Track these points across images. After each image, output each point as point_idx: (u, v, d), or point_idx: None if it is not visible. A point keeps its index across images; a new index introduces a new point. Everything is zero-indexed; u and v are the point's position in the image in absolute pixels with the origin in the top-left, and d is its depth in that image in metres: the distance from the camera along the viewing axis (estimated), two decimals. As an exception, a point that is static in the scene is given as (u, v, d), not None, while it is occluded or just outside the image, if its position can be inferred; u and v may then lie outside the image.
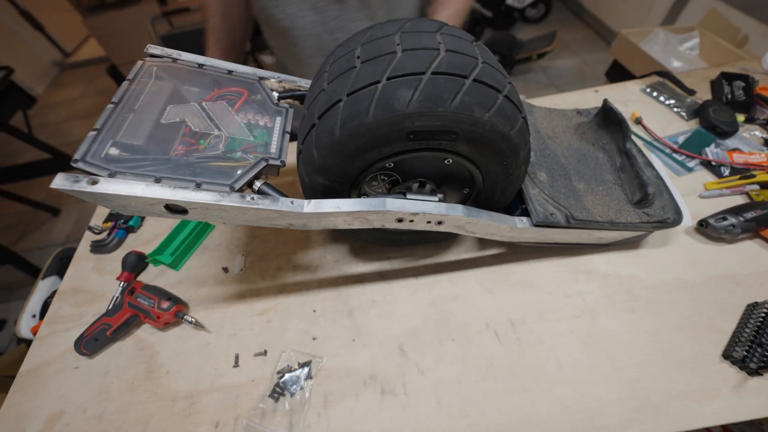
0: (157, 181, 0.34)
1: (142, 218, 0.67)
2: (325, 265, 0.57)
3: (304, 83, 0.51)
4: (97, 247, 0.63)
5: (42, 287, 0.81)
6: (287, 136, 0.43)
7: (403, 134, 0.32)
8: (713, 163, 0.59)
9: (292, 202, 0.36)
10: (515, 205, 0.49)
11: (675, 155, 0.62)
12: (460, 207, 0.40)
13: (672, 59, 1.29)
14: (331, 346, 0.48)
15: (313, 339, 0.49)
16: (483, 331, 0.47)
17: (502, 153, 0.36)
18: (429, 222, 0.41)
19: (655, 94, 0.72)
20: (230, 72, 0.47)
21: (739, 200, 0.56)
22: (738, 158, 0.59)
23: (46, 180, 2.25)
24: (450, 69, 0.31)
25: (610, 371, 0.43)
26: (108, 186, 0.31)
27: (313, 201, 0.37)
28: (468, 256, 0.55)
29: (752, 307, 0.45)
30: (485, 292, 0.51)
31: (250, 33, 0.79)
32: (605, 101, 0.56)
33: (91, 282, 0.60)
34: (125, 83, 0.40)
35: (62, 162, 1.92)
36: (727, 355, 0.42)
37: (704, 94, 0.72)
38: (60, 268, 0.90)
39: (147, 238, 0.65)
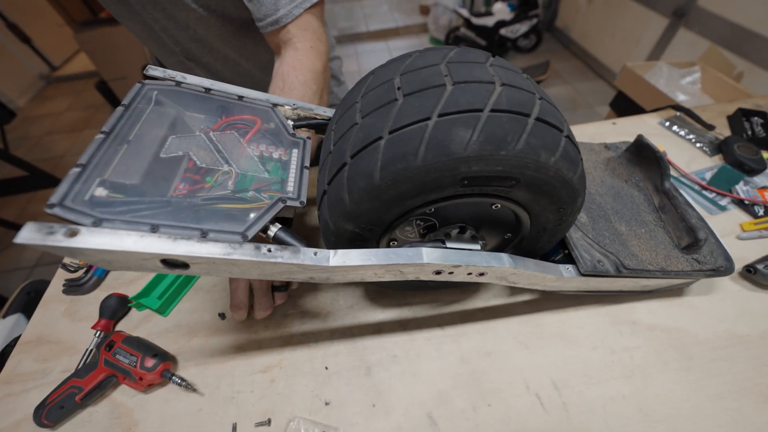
0: (154, 229, 0.27)
1: (127, 253, 0.60)
2: (337, 311, 0.50)
3: (322, 111, 0.46)
4: (72, 288, 0.55)
5: (2, 328, 0.71)
6: (306, 172, 0.38)
7: (457, 180, 0.28)
8: (746, 202, 0.57)
9: (315, 254, 0.30)
10: (555, 249, 0.44)
11: (705, 192, 0.59)
12: (505, 257, 0.35)
13: (677, 92, 1.33)
14: (348, 413, 0.41)
15: (326, 404, 0.42)
16: (523, 395, 0.41)
17: (560, 200, 0.31)
18: (470, 274, 0.35)
19: (674, 128, 0.71)
20: (241, 98, 0.42)
21: (779, 243, 0.53)
22: (770, 197, 0.56)
23: (23, 197, 2.11)
24: (511, 106, 0.27)
25: (675, 447, 0.37)
26: (90, 239, 0.24)
27: (339, 252, 0.31)
28: (498, 303, 0.50)
29: (819, 368, 0.40)
30: (521, 346, 0.45)
31: None
32: (640, 137, 0.54)
33: (62, 329, 0.52)
34: (119, 109, 0.34)
35: (39, 179, 1.80)
36: (801, 425, 0.37)
37: (722, 130, 0.71)
38: (26, 303, 0.79)
39: (131, 277, 0.57)
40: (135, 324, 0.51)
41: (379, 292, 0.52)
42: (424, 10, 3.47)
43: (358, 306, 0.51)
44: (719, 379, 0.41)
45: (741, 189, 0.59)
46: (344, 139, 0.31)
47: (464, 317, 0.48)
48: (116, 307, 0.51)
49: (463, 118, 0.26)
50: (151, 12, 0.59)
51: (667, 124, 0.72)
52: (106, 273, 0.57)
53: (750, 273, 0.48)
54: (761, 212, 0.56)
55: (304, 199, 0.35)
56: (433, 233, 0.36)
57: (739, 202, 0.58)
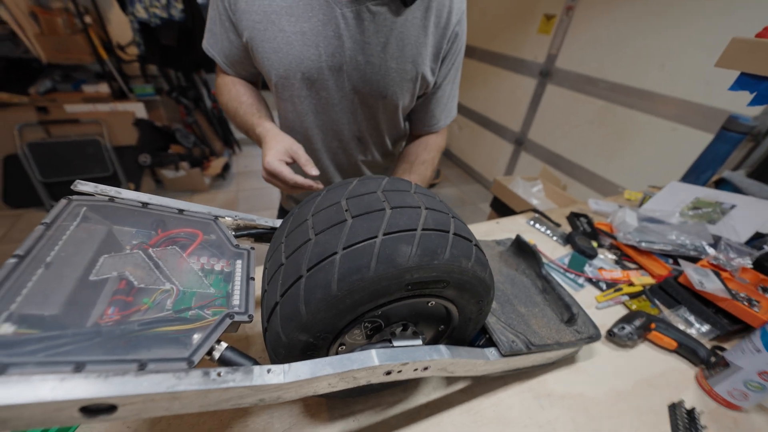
0: (78, 368, 0.24)
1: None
2: (273, 438, 0.44)
3: (263, 221, 0.49)
4: None
5: None
6: (252, 284, 0.38)
7: (402, 285, 0.33)
8: (593, 280, 0.77)
9: (269, 371, 0.30)
10: (477, 335, 0.51)
11: (567, 274, 0.78)
12: (443, 348, 0.39)
13: (531, 198, 1.80)
14: None
15: None
16: (477, 495, 0.41)
17: (478, 294, 0.39)
18: (416, 369, 0.38)
19: (536, 225, 0.94)
20: (181, 211, 0.42)
21: (621, 309, 0.71)
22: (606, 275, 0.78)
23: None
24: (436, 225, 0.35)
25: None
26: (-11, 393, 0.20)
27: (293, 366, 0.31)
28: (438, 396, 0.51)
29: (673, 409, 0.52)
30: (466, 438, 0.47)
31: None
32: (518, 236, 0.71)
33: None
34: (39, 228, 0.31)
35: None
36: (678, 463, 0.46)
37: (566, 227, 0.97)
38: None
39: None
40: None
41: (320, 404, 0.48)
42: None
43: (297, 426, 0.46)
44: (618, 434, 0.49)
45: (588, 270, 0.80)
46: (298, 252, 0.34)
47: (410, 417, 0.48)
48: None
49: (403, 236, 0.33)
50: (357, 107, 0.71)
51: (532, 222, 0.96)
52: None
53: (611, 336, 0.62)
54: (605, 287, 0.76)
55: (252, 312, 0.35)
56: (379, 333, 0.39)
57: (590, 280, 0.77)
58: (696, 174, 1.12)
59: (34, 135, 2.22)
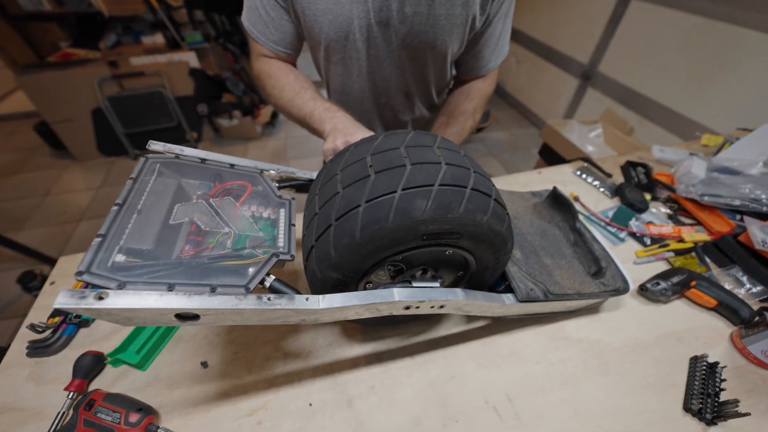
0: (170, 288, 0.32)
1: (99, 309, 0.60)
2: (317, 350, 0.55)
3: (302, 174, 0.54)
4: (37, 349, 0.54)
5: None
6: (293, 229, 0.45)
7: (418, 236, 0.37)
8: (637, 234, 0.73)
9: (307, 299, 0.37)
10: (498, 282, 0.54)
11: (609, 228, 0.75)
12: (458, 291, 0.44)
13: (586, 144, 1.63)
14: (333, 446, 0.45)
15: (312, 439, 0.46)
16: (483, 410, 0.49)
17: (494, 245, 0.42)
18: (432, 306, 0.43)
19: (584, 176, 0.89)
20: (232, 166, 0.49)
21: (662, 265, 0.69)
22: (654, 230, 0.73)
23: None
24: (453, 181, 0.37)
25: (601, 439, 0.46)
26: (118, 300, 0.29)
27: (326, 296, 0.38)
28: (458, 330, 0.58)
29: (694, 361, 0.53)
30: (479, 367, 0.53)
31: None
32: (555, 188, 0.69)
33: (26, 395, 0.50)
34: (129, 182, 0.39)
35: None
36: (687, 408, 0.49)
37: (618, 177, 0.90)
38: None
39: (104, 332, 0.57)
40: (111, 381, 0.51)
41: (355, 328, 0.57)
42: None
43: (336, 343, 0.56)
44: (628, 378, 0.52)
45: (634, 224, 0.76)
46: (329, 204, 0.39)
47: (431, 345, 0.56)
48: (91, 366, 0.51)
49: (420, 192, 0.35)
50: (404, 61, 0.69)
51: (578, 173, 0.90)
52: (76, 331, 0.57)
53: (643, 291, 0.61)
54: (649, 242, 0.72)
55: (294, 253, 0.42)
56: (401, 275, 0.44)
57: (633, 235, 0.74)
58: (805, 113, 0.93)
59: (111, 89, 2.47)
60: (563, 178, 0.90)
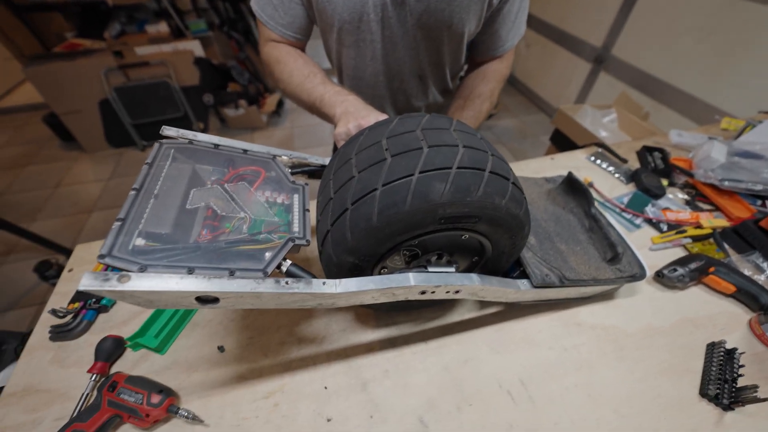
0: (190, 271, 0.33)
1: (117, 295, 0.61)
2: (331, 335, 0.56)
3: (314, 159, 0.54)
4: (60, 333, 0.55)
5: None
6: (308, 214, 0.45)
7: (436, 219, 0.36)
8: (654, 221, 0.72)
9: (324, 283, 0.37)
10: (512, 267, 0.54)
11: (624, 214, 0.74)
12: (474, 276, 0.44)
13: (600, 129, 1.59)
14: (349, 426, 0.46)
15: (328, 420, 0.47)
16: (497, 393, 0.49)
17: (511, 229, 0.41)
18: (448, 291, 0.43)
19: (598, 161, 0.87)
20: (245, 151, 0.48)
21: (679, 251, 0.67)
22: (671, 216, 0.72)
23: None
24: (471, 164, 0.36)
25: (617, 423, 0.46)
26: (141, 282, 0.29)
27: (343, 281, 0.38)
28: (471, 316, 0.58)
29: (712, 347, 0.52)
30: (493, 352, 0.53)
31: None
32: (570, 173, 0.67)
33: (51, 377, 0.51)
34: (145, 167, 0.39)
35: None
36: (703, 393, 0.48)
37: (634, 162, 0.88)
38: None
39: (122, 317, 0.59)
40: (131, 364, 0.52)
41: (369, 314, 0.58)
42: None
43: (350, 329, 0.56)
44: (643, 363, 0.52)
45: (650, 210, 0.74)
46: (344, 188, 0.39)
47: (444, 331, 0.56)
48: (112, 349, 0.52)
49: (438, 175, 0.35)
50: (420, 43, 0.67)
51: (593, 158, 0.88)
52: (96, 316, 0.58)
53: (659, 277, 0.60)
54: (665, 228, 0.71)
55: (309, 238, 0.42)
56: (416, 260, 0.44)
57: (650, 221, 0.73)
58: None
59: (117, 80, 2.46)
60: (577, 164, 0.88)
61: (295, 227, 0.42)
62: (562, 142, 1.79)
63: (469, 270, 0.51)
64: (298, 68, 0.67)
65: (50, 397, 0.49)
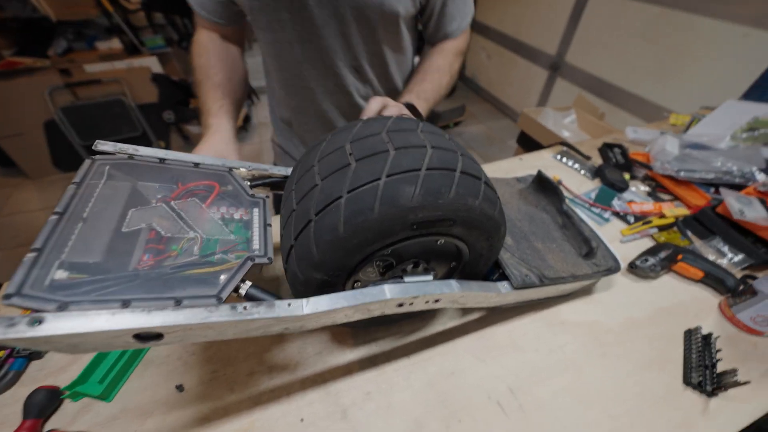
0: (125, 304, 0.28)
1: (54, 337, 0.53)
2: (306, 360, 0.51)
3: (276, 170, 0.50)
4: (-20, 390, 0.47)
5: None
6: (270, 230, 0.41)
7: (407, 225, 0.33)
8: (621, 213, 0.74)
9: (289, 305, 0.33)
10: (492, 270, 0.52)
11: (593, 209, 0.75)
12: (453, 283, 0.41)
13: (562, 130, 1.66)
14: (330, 463, 0.41)
15: (306, 458, 0.42)
16: (486, 405, 0.46)
17: (487, 231, 0.39)
18: (427, 302, 0.40)
19: (564, 160, 0.89)
20: (197, 165, 0.44)
21: (647, 242, 0.69)
22: (636, 208, 0.74)
23: None
24: (441, 165, 0.34)
25: (608, 424, 0.45)
26: (57, 325, 0.24)
27: (311, 300, 0.34)
28: (454, 324, 0.55)
29: (689, 334, 0.53)
30: (478, 361, 0.51)
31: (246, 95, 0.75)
32: (539, 172, 0.67)
33: (-33, 445, 0.43)
34: (71, 187, 0.34)
35: None
36: (687, 381, 0.48)
37: (597, 159, 0.91)
38: None
39: (60, 363, 0.51)
40: (70, 418, 0.45)
41: (346, 332, 0.54)
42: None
43: (326, 350, 0.52)
44: (625, 359, 0.51)
45: (617, 204, 0.76)
46: (306, 198, 0.36)
47: (426, 343, 0.53)
48: (45, 403, 0.45)
49: (406, 177, 0.32)
50: (349, 27, 0.62)
51: (559, 157, 0.90)
52: (26, 364, 0.50)
53: (633, 268, 0.61)
54: (632, 220, 0.73)
55: (271, 255, 0.38)
56: (391, 271, 0.41)
57: (617, 214, 0.74)
58: (763, 89, 0.97)
59: (64, 99, 2.29)
60: (544, 163, 0.90)
61: (255, 244, 0.38)
62: (528, 144, 1.86)
63: (447, 276, 0.48)
64: (200, 66, 0.64)
65: (-35, 470, 0.41)
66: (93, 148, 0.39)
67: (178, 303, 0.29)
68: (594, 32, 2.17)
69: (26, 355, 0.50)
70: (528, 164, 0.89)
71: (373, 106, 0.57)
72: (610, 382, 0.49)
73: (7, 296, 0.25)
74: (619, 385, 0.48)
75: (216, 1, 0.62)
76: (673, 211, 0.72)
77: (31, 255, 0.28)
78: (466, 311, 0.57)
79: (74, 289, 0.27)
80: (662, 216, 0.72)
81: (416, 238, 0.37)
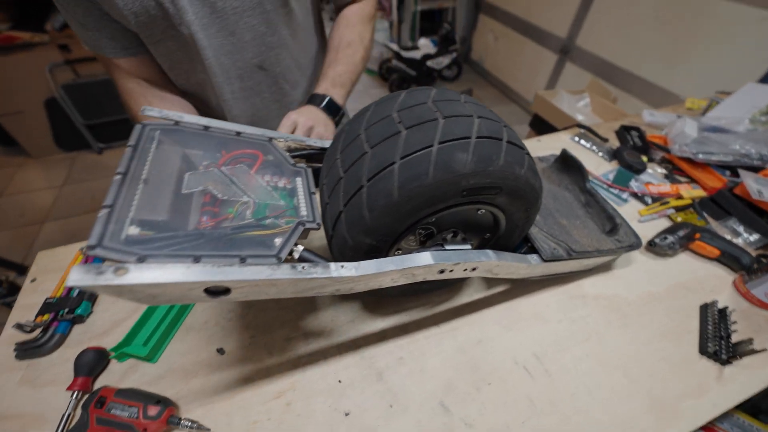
0: (197, 260, 0.29)
1: (93, 302, 0.55)
2: (339, 327, 0.53)
3: (312, 142, 0.51)
4: (28, 350, 0.48)
5: None
6: (314, 197, 0.42)
7: (458, 192, 0.35)
8: (639, 194, 0.75)
9: (342, 266, 0.34)
10: (520, 245, 0.53)
11: (611, 189, 0.77)
12: (490, 252, 0.43)
13: (576, 114, 1.66)
14: (369, 419, 0.44)
15: (346, 415, 0.44)
16: (514, 370, 0.49)
17: (528, 201, 0.41)
18: (465, 269, 0.42)
19: (581, 141, 0.90)
20: (238, 134, 0.44)
21: (664, 222, 0.71)
22: (653, 189, 0.75)
23: None
24: (489, 133, 0.35)
25: (629, 386, 0.47)
26: (140, 275, 0.25)
27: (362, 263, 0.35)
28: (479, 296, 0.57)
29: (705, 308, 0.55)
30: (504, 330, 0.53)
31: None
32: (564, 150, 0.68)
33: (22, 401, 0.45)
34: (128, 150, 0.34)
35: None
36: (702, 351, 0.51)
37: (614, 142, 0.92)
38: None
39: (102, 327, 0.52)
40: (118, 377, 0.47)
41: (376, 302, 0.56)
42: (355, 44, 3.70)
43: (358, 319, 0.54)
44: (646, 328, 0.54)
45: (634, 185, 0.77)
46: (356, 165, 0.36)
47: (455, 313, 0.55)
48: (94, 363, 0.47)
49: (458, 144, 0.33)
50: (248, 19, 0.58)
51: (576, 138, 0.91)
52: (70, 328, 0.52)
53: (651, 246, 0.63)
54: (650, 201, 0.74)
55: (320, 221, 0.39)
56: (432, 239, 0.42)
57: (635, 195, 0.76)
58: (780, 73, 0.97)
59: (65, 76, 2.24)
60: (562, 145, 0.90)
61: (303, 211, 0.39)
62: (540, 126, 1.85)
63: (480, 248, 0.50)
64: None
65: (23, 423, 0.43)
66: (140, 112, 0.39)
67: (242, 261, 0.31)
68: (606, 15, 2.13)
69: (70, 319, 0.51)
70: (547, 145, 0.90)
71: (285, 125, 0.57)
72: (630, 348, 0.51)
73: (91, 247, 0.26)
74: (638, 352, 0.51)
75: (127, 39, 0.56)
76: (690, 192, 0.74)
77: (104, 211, 0.28)
78: (491, 284, 0.59)
79: (147, 245, 0.28)
80: (679, 197, 0.73)
81: (462, 205, 0.38)
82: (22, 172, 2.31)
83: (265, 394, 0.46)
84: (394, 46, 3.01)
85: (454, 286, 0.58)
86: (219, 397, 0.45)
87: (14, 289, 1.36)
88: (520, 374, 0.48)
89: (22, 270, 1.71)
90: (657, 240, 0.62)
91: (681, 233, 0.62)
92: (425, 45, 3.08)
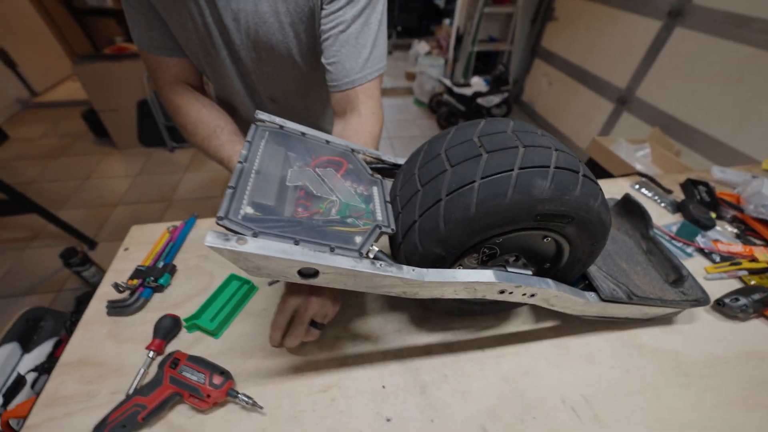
0: (296, 243, 0.33)
1: (172, 276, 0.61)
2: (386, 335, 0.55)
3: (387, 158, 0.56)
4: (117, 308, 0.55)
5: (-1, 357, 0.66)
6: (389, 206, 0.46)
7: (532, 215, 0.37)
8: (705, 251, 0.71)
9: (414, 270, 0.37)
10: (577, 280, 0.53)
11: (674, 242, 0.74)
12: (550, 281, 0.43)
13: (634, 163, 1.61)
14: (410, 429, 0.44)
15: (388, 420, 0.45)
16: (561, 409, 0.47)
17: (595, 235, 0.41)
18: (524, 294, 0.43)
19: (642, 190, 0.88)
20: (328, 142, 0.50)
21: (735, 283, 0.66)
22: (722, 248, 0.71)
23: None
24: (567, 165, 0.37)
25: (691, 450, 0.44)
26: (255, 246, 0.30)
27: (431, 271, 0.38)
28: (527, 328, 0.57)
29: (783, 382, 0.50)
30: (552, 366, 0.52)
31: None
32: (627, 195, 0.68)
33: (106, 351, 0.51)
34: (246, 144, 0.41)
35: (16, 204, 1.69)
36: (779, 430, 0.46)
37: (678, 194, 0.88)
38: (24, 332, 0.75)
39: (176, 299, 0.59)
40: (187, 345, 0.52)
41: (423, 317, 0.57)
42: (410, 76, 3.91)
43: (405, 330, 0.55)
44: (712, 392, 0.50)
45: (701, 240, 0.74)
46: (436, 181, 0.40)
47: (500, 341, 0.55)
48: (170, 328, 0.52)
49: (538, 171, 0.36)
50: (262, 67, 0.67)
51: (637, 186, 0.89)
52: (152, 294, 0.58)
53: (720, 306, 0.59)
54: (718, 259, 0.70)
55: (394, 227, 0.42)
56: (493, 260, 0.44)
57: (701, 251, 0.72)
58: None
59: (157, 82, 2.58)
60: (622, 191, 0.88)
61: (379, 216, 0.43)
62: (595, 172, 1.80)
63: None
64: (202, 120, 0.62)
65: (105, 371, 0.49)
66: (254, 116, 0.47)
67: (332, 250, 0.35)
68: (671, 68, 2.10)
69: (153, 286, 0.58)
70: (605, 190, 0.88)
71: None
72: (693, 411, 0.48)
73: (220, 218, 0.31)
74: (701, 417, 0.47)
75: (162, 34, 0.61)
76: (767, 256, 0.69)
77: (229, 191, 0.34)
78: (540, 318, 0.58)
79: (259, 223, 0.33)
80: (753, 259, 0.68)
81: (531, 230, 0.40)
82: (107, 160, 2.63)
83: (312, 386, 0.48)
84: (447, 81, 3.15)
85: (501, 314, 0.58)
86: (271, 381, 0.48)
87: (86, 260, 1.52)
88: (568, 414, 0.47)
89: (93, 245, 1.92)
90: (727, 300, 0.59)
91: (756, 296, 0.58)
92: (477, 83, 3.19)
